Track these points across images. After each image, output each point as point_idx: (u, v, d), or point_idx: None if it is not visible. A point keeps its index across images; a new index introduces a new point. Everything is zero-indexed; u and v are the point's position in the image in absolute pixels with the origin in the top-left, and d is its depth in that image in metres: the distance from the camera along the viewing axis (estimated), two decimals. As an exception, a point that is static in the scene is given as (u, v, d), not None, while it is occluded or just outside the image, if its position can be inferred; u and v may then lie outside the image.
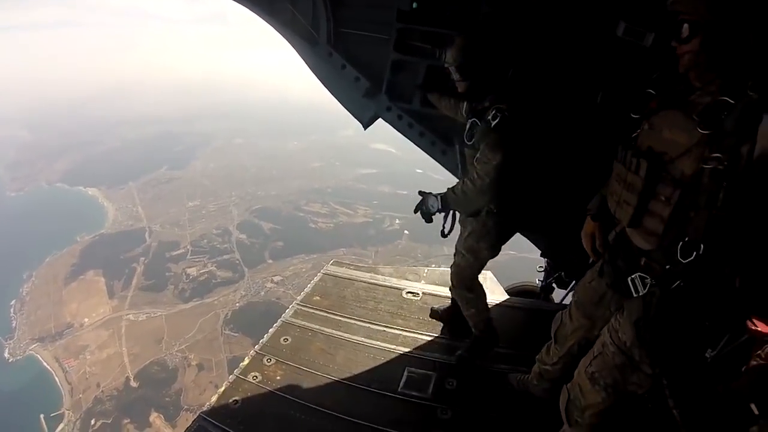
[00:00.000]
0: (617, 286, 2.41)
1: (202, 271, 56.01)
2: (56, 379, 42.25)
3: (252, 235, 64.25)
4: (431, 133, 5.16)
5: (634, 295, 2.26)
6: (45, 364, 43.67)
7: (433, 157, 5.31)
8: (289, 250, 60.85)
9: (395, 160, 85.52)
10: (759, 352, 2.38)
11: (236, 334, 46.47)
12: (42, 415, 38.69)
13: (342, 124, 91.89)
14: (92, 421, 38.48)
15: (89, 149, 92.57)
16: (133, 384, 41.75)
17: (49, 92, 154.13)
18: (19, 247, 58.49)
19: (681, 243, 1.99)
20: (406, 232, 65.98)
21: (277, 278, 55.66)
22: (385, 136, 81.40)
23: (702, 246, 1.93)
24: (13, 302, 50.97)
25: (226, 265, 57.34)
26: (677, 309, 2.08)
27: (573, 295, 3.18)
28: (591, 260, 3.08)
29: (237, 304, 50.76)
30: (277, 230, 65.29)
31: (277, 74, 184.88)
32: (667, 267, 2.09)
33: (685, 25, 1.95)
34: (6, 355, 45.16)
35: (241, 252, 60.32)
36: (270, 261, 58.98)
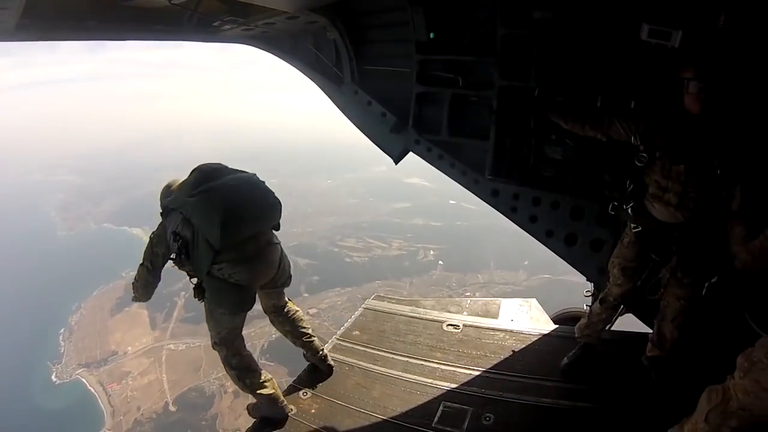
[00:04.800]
0: None
1: (238, 303, 58.52)
2: (99, 401, 45.03)
3: (288, 270, 66.76)
4: (462, 164, 5.19)
5: None
6: (89, 387, 46.70)
7: (465, 187, 5.31)
8: (325, 284, 62.77)
9: (428, 193, 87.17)
10: None
11: (272, 364, 47.35)
12: None
13: (374, 161, 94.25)
14: None
15: (132, 192, 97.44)
16: (172, 408, 44.04)
17: (92, 141, 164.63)
18: (70, 281, 63.11)
19: None
20: (440, 262, 67.20)
21: (312, 311, 57.04)
22: (417, 170, 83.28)
23: None
24: (62, 330, 54.84)
25: (263, 298, 59.50)
26: None
27: None
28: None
29: (273, 335, 51.45)
30: (312, 265, 67.12)
31: (308, 115, 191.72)
32: None
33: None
34: (54, 378, 48.51)
35: (277, 286, 62.82)
36: (306, 294, 60.69)
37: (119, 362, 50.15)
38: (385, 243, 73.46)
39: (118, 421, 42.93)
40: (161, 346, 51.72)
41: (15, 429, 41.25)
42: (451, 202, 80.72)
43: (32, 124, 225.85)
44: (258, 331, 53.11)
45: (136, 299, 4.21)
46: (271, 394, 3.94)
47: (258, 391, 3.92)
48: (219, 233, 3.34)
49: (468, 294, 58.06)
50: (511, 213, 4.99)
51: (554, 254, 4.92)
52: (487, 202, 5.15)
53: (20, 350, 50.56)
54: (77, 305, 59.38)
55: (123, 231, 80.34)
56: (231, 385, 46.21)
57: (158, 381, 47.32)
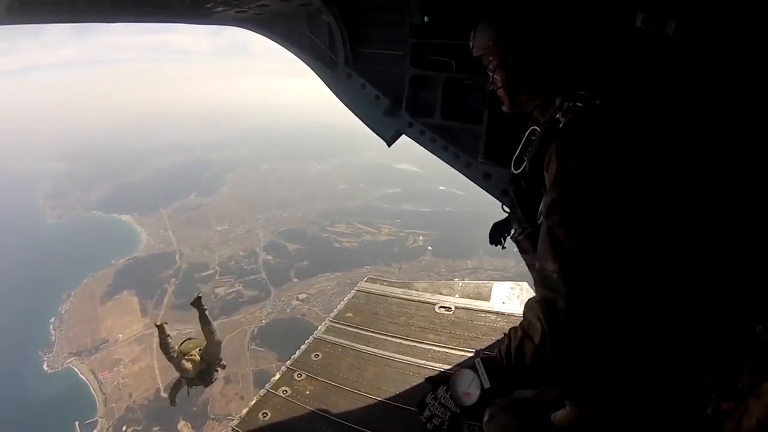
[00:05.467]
0: None
1: (229, 291, 59.02)
2: (91, 389, 45.84)
3: (278, 255, 67.25)
4: (455, 147, 5.12)
5: None
6: (81, 375, 47.46)
7: (458, 170, 5.25)
8: (314, 269, 63.35)
9: (418, 179, 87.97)
10: None
11: (262, 349, 48.82)
12: (77, 422, 42.21)
13: (365, 146, 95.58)
14: (123, 428, 41.89)
15: (121, 178, 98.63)
16: (163, 394, 43.79)
17: (80, 127, 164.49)
18: (59, 269, 63.67)
19: None
20: (429, 248, 67.90)
21: (302, 296, 58.10)
22: (408, 155, 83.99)
23: None
24: (52, 320, 55.44)
25: (252, 285, 60.17)
26: None
27: None
28: None
29: (263, 321, 53.08)
30: (302, 251, 68.11)
31: (298, 100, 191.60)
32: None
33: (489, 66, 2.00)
34: (45, 367, 49.23)
35: (267, 272, 63.10)
36: (295, 280, 61.57)
37: (110, 350, 50.76)
38: (374, 228, 74.03)
39: (110, 408, 43.75)
40: (152, 333, 50.77)
41: (8, 419, 42.00)
42: (441, 188, 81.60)
43: (19, 111, 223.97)
44: (248, 317, 54.00)
45: None
46: None
47: None
48: None
49: (457, 280, 58.74)
50: (501, 196, 4.88)
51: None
52: (479, 185, 5.06)
53: (11, 340, 51.20)
54: (67, 294, 59.82)
55: (112, 218, 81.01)
56: (221, 371, 47.33)
57: (149, 368, 47.95)
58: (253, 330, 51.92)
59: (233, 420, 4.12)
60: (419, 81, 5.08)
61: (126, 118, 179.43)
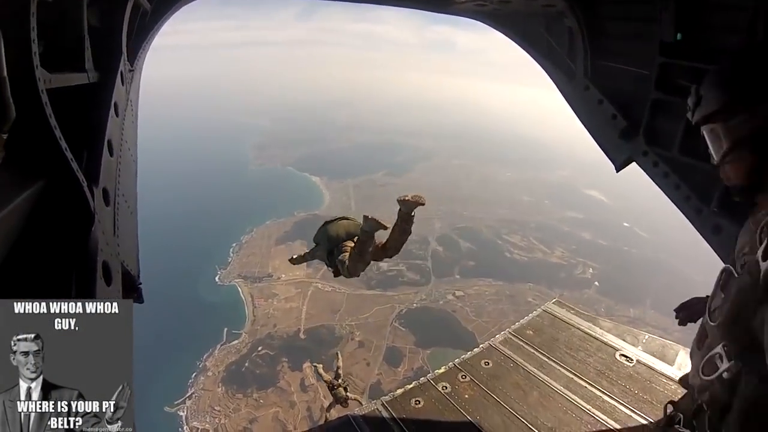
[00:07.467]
0: None
1: (392, 268, 61.84)
2: (246, 309, 53.71)
3: (448, 249, 69.70)
4: (688, 187, 4.59)
5: None
6: (242, 295, 55.94)
7: (684, 214, 4.70)
8: (479, 271, 64.47)
9: (604, 209, 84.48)
10: None
11: (403, 329, 51.54)
12: (226, 329, 50.28)
13: (560, 164, 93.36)
14: (259, 348, 48.20)
15: (319, 145, 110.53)
16: (301, 336, 50.33)
17: (292, 95, 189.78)
18: (250, 207, 75.18)
19: None
20: (596, 283, 64.63)
21: (458, 293, 59.65)
22: (598, 182, 79.56)
23: None
24: (234, 245, 66.51)
25: (415, 269, 63.19)
26: None
27: None
28: None
29: (414, 305, 55.92)
30: (472, 250, 69.89)
31: (502, 107, 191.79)
32: None
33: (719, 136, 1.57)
34: (216, 279, 59.34)
35: (433, 261, 65.67)
36: (457, 276, 63.50)
37: (271, 284, 58.60)
38: (548, 248, 72.64)
39: (255, 329, 50.85)
40: (310, 282, 58.35)
41: (178, 308, 51.04)
42: (625, 224, 77.71)
43: (246, 76, 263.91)
44: (401, 297, 56.86)
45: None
46: None
47: None
48: None
49: (643, 331, 54.12)
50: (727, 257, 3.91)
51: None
52: (704, 237, 4.47)
53: (197, 251, 62.78)
54: (250, 228, 70.64)
55: (304, 177, 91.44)
56: (359, 335, 51.12)
57: (298, 310, 53.98)
58: (402, 309, 54.81)
59: (385, 396, 4.36)
60: (661, 106, 4.67)
61: (331, 93, 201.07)
